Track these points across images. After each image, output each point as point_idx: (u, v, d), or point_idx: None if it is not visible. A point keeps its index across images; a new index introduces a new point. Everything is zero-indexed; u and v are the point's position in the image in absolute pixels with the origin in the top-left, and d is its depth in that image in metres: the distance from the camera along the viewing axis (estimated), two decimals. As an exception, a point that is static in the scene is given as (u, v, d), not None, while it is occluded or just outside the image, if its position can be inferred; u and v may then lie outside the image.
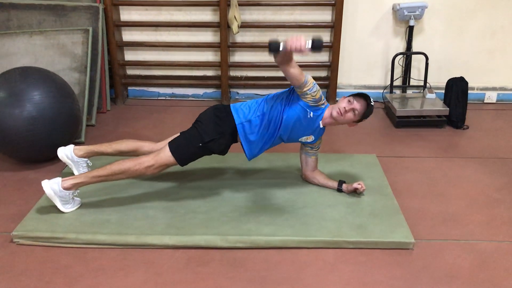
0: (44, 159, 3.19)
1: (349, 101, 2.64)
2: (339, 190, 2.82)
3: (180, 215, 2.59)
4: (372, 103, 2.65)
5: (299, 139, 2.72)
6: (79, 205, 2.67)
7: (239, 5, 4.06)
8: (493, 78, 4.35)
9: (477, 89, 4.39)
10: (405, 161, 3.33)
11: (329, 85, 4.27)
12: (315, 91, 2.56)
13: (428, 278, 2.23)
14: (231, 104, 2.71)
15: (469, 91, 4.26)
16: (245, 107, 2.68)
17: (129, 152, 2.87)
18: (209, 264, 2.31)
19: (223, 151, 2.68)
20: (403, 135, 3.75)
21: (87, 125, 3.82)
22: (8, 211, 2.68)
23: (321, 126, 2.67)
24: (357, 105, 2.62)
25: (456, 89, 3.84)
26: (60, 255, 2.36)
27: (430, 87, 4.16)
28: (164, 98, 4.46)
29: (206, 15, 4.19)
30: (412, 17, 4.00)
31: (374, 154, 3.33)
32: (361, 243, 2.42)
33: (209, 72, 4.40)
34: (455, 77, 3.92)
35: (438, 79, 4.26)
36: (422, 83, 4.21)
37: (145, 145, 2.86)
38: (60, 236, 2.42)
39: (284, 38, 2.35)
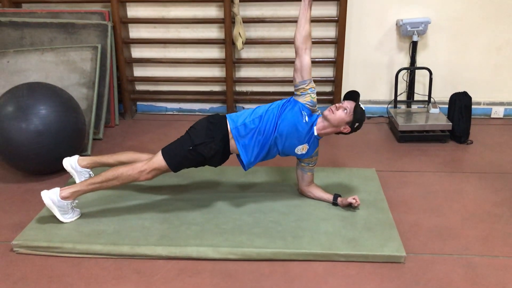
0: (50, 171, 3.28)
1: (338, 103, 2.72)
2: (334, 203, 2.84)
3: (175, 227, 2.64)
4: (360, 104, 2.67)
5: (295, 150, 2.75)
6: (78, 216, 2.74)
7: (244, 22, 4.14)
8: (500, 93, 4.32)
9: (483, 104, 4.36)
10: (405, 176, 3.33)
11: (333, 100, 4.30)
12: (315, 93, 2.69)
13: (417, 292, 2.23)
14: (227, 114, 2.76)
15: (475, 106, 4.27)
16: (241, 114, 2.73)
17: (129, 163, 2.94)
18: (200, 275, 2.34)
19: (213, 159, 2.70)
20: (405, 150, 3.75)
21: (94, 139, 3.92)
22: (11, 221, 2.78)
23: (316, 133, 2.70)
24: (347, 103, 2.67)
25: (459, 104, 3.83)
26: (57, 264, 2.43)
27: (435, 102, 4.16)
28: (171, 113, 4.55)
29: (212, 32, 4.29)
30: (415, 32, 4.02)
31: (373, 168, 3.34)
32: (352, 256, 2.42)
33: (216, 88, 4.48)
34: (458, 92, 3.91)
35: (444, 94, 4.25)
36: (426, 98, 4.21)
37: (144, 156, 2.92)
38: (57, 246, 2.49)
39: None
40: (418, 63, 4.23)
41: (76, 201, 2.72)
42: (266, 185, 3.11)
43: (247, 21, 4.17)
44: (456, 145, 3.83)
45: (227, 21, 4.09)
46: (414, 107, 4.28)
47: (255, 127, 2.66)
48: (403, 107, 4.31)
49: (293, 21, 4.17)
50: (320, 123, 2.71)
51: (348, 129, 2.71)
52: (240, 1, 4.08)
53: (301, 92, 2.68)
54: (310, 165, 2.84)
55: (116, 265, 2.42)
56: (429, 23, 4.04)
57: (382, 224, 2.66)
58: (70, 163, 2.99)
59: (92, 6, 4.20)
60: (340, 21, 4.04)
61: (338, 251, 2.43)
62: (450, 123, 3.81)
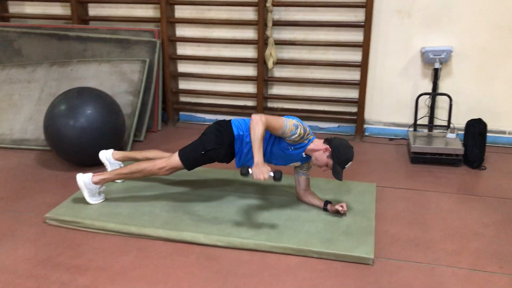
0: (90, 163, 3.81)
1: (327, 164, 2.93)
2: (325, 209, 3.11)
3: (178, 215, 3.05)
4: (330, 146, 2.89)
5: (289, 165, 3.08)
6: (103, 200, 3.23)
7: (277, 43, 4.54)
8: (525, 124, 4.36)
9: (508, 133, 4.40)
10: (405, 193, 3.51)
11: (356, 120, 4.55)
12: (294, 137, 2.86)
13: (374, 289, 2.45)
14: (232, 119, 3.14)
15: (498, 135, 4.34)
16: (243, 122, 3.09)
17: (154, 159, 3.40)
18: (188, 256, 2.72)
19: (223, 160, 3.11)
20: (415, 170, 3.91)
21: (135, 140, 4.46)
22: (50, 200, 3.32)
23: (304, 155, 3.00)
24: (331, 164, 2.91)
25: (473, 130, 3.94)
26: (76, 235, 2.91)
27: (454, 128, 4.28)
28: (209, 123, 4.98)
29: (248, 52, 4.72)
30: (437, 60, 4.20)
31: (374, 183, 3.56)
32: (324, 254, 2.69)
33: (249, 103, 4.89)
34: (474, 119, 4.02)
35: (467, 121, 4.35)
36: (447, 123, 4.34)
37: (166, 155, 3.37)
38: (79, 221, 2.98)
39: (253, 167, 2.68)
40: (442, 90, 4.38)
41: (103, 187, 3.22)
42: (267, 188, 3.44)
43: (281, 43, 4.56)
44: (468, 170, 3.93)
45: (260, 42, 4.51)
46: (435, 131, 4.42)
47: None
48: (424, 131, 4.46)
49: (323, 44, 4.52)
50: (309, 151, 2.96)
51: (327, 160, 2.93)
52: (275, 25, 4.49)
53: (282, 137, 2.95)
54: (305, 170, 3.14)
55: (123, 241, 2.85)
56: (451, 52, 4.20)
57: (362, 230, 2.89)
58: (105, 155, 3.51)
59: (145, 25, 4.80)
60: (364, 46, 4.31)
61: (312, 248, 2.70)
62: (462, 148, 3.93)
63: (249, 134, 2.88)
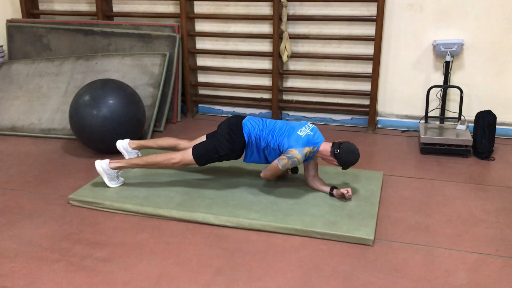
0: (112, 151, 4.02)
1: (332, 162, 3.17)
2: (331, 194, 3.25)
3: (192, 198, 3.24)
4: (337, 151, 3.09)
5: None
6: (122, 183, 3.44)
7: (292, 38, 4.69)
8: (538, 116, 4.39)
9: (521, 126, 4.45)
10: (412, 181, 3.62)
11: (369, 112, 4.66)
12: (297, 163, 3.13)
13: (373, 268, 2.58)
14: (243, 122, 3.29)
15: (511, 127, 4.38)
16: (256, 126, 3.24)
17: (168, 148, 3.60)
18: (199, 234, 2.90)
19: (234, 158, 3.35)
20: (424, 160, 4.01)
21: (155, 130, 4.68)
22: (74, 183, 3.55)
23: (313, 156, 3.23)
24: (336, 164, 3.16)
25: (483, 122, 4.01)
26: (96, 215, 3.14)
27: (465, 120, 4.35)
28: (226, 115, 5.19)
29: (264, 46, 4.88)
30: (448, 53, 4.27)
31: (381, 172, 3.67)
32: (327, 235, 2.83)
33: (265, 95, 5.05)
34: (483, 111, 4.09)
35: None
36: (458, 115, 4.41)
37: (182, 144, 3.56)
38: (99, 202, 3.20)
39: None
40: (454, 82, 4.45)
41: (121, 171, 3.43)
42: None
43: (295, 37, 4.71)
44: (477, 161, 4.00)
45: (275, 37, 4.66)
46: (446, 124, 4.49)
47: (261, 148, 3.22)
48: (436, 123, 4.53)
49: (337, 38, 4.64)
50: (318, 155, 3.21)
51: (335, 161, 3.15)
52: (290, 20, 4.64)
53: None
54: (313, 158, 3.30)
55: (139, 221, 3.06)
56: (463, 45, 4.27)
57: (364, 214, 3.02)
58: (122, 144, 3.71)
59: (166, 21, 5.01)
60: (376, 40, 4.42)
61: (316, 229, 2.85)
62: (471, 139, 4.00)
63: (262, 144, 3.22)
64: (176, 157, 3.30)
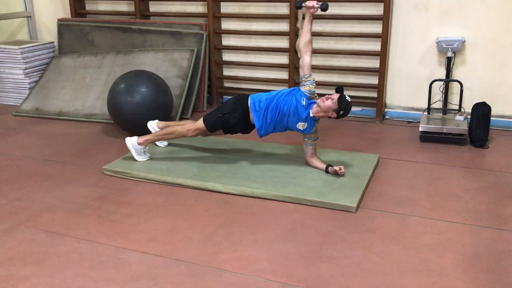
0: (143, 132, 4.59)
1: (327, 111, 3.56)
2: (326, 171, 3.69)
3: (205, 171, 3.76)
4: (345, 95, 3.49)
5: (296, 126, 3.67)
6: (148, 158, 4.01)
7: (307, 35, 5.13)
8: (536, 109, 4.66)
9: (520, 118, 4.73)
10: (406, 164, 4.00)
11: (376, 104, 5.05)
12: (313, 84, 3.60)
13: (351, 228, 3.01)
14: (250, 95, 3.78)
15: (510, 120, 4.69)
16: (261, 94, 3.72)
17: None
18: (209, 200, 3.42)
19: (238, 125, 3.75)
20: (421, 147, 4.37)
21: (182, 118, 5.24)
22: (109, 158, 4.14)
23: (311, 115, 3.60)
24: (334, 95, 3.54)
25: (477, 112, 4.33)
26: (127, 182, 3.71)
27: (464, 111, 4.67)
28: (248, 106, 5.69)
29: (282, 42, 5.36)
30: (449, 49, 4.61)
31: (377, 155, 4.07)
32: (316, 202, 3.28)
33: (283, 87, 5.51)
34: (479, 102, 4.41)
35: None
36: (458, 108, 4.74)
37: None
38: (128, 172, 3.77)
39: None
40: (456, 77, 4.78)
41: (147, 147, 4.00)
42: (281, 155, 4.07)
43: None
44: (471, 148, 4.33)
45: (292, 34, 5.13)
46: (448, 115, 4.82)
47: (266, 104, 3.66)
48: (439, 114, 4.87)
49: (348, 35, 5.06)
50: (315, 108, 3.59)
51: (334, 115, 3.54)
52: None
53: (303, 83, 3.61)
54: (311, 141, 3.74)
55: (160, 188, 3.61)
56: (464, 42, 4.60)
57: (353, 187, 3.45)
58: (152, 124, 4.27)
59: (195, 20, 5.57)
60: (382, 37, 4.81)
61: (307, 197, 3.31)
62: (466, 128, 4.34)
63: (265, 99, 3.67)
64: (189, 124, 3.84)
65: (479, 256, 2.71)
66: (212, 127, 3.79)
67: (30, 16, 6.44)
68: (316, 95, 3.66)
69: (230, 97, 5.70)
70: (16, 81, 5.80)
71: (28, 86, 5.77)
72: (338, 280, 2.52)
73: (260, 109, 3.68)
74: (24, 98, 5.70)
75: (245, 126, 3.82)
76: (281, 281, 2.52)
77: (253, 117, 3.72)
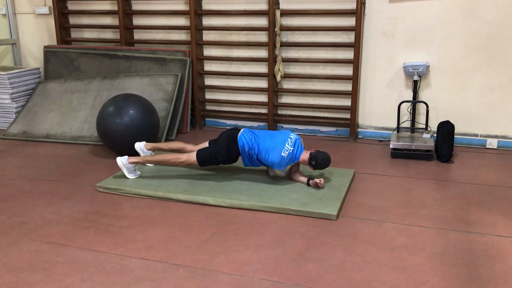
0: (130, 153, 4.83)
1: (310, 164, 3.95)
2: (308, 184, 3.99)
3: (195, 186, 4.01)
4: (313, 163, 3.90)
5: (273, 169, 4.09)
6: (138, 176, 4.23)
7: (285, 61, 5.51)
8: (494, 127, 5.10)
9: (480, 136, 5.16)
10: (379, 178, 4.34)
11: (349, 124, 5.42)
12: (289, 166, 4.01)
13: (333, 234, 3.30)
14: (238, 136, 4.03)
15: (472, 137, 5.11)
16: (250, 139, 3.98)
17: (176, 150, 4.39)
18: (200, 212, 3.66)
19: (227, 162, 4.11)
20: (393, 162, 4.74)
21: (168, 139, 5.49)
22: (100, 176, 4.35)
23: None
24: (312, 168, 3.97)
25: (442, 130, 4.74)
26: (118, 199, 3.92)
27: (430, 129, 5.08)
28: (229, 127, 5.98)
29: (261, 67, 5.72)
30: (415, 73, 5.05)
31: (353, 170, 4.41)
32: (300, 211, 3.57)
33: (263, 110, 5.85)
34: (443, 121, 4.83)
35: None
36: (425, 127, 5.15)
37: (188, 147, 4.35)
38: (121, 189, 3.99)
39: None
40: (422, 98, 5.21)
41: (137, 166, 4.23)
42: (265, 170, 4.34)
43: (288, 60, 5.53)
44: (438, 163, 4.72)
45: (270, 60, 5.50)
46: (416, 134, 5.22)
47: (253, 157, 3.99)
48: (407, 133, 5.27)
49: (322, 61, 5.45)
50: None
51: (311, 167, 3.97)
52: (283, 46, 5.47)
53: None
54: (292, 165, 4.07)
55: (152, 202, 3.83)
56: (428, 66, 5.05)
57: (333, 198, 3.76)
58: (139, 146, 4.51)
59: (179, 47, 5.88)
60: (354, 62, 5.22)
61: (292, 207, 3.59)
62: (433, 145, 4.74)
63: (253, 152, 3.99)
64: (182, 157, 4.08)
65: (447, 254, 3.04)
66: (205, 165, 4.12)
67: (15, 43, 6.64)
68: (293, 157, 3.98)
69: (213, 119, 6.05)
70: (3, 105, 5.96)
71: (15, 110, 5.93)
72: (324, 277, 2.79)
73: (248, 157, 4.03)
74: (11, 122, 5.86)
75: (234, 159, 4.15)
76: (273, 279, 2.78)
77: (241, 156, 4.07)
